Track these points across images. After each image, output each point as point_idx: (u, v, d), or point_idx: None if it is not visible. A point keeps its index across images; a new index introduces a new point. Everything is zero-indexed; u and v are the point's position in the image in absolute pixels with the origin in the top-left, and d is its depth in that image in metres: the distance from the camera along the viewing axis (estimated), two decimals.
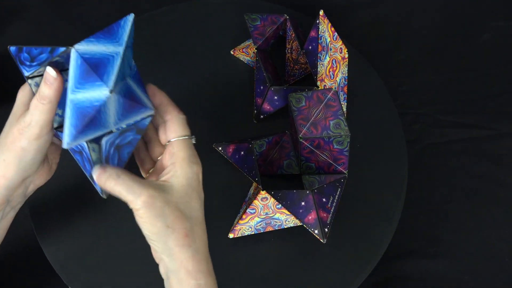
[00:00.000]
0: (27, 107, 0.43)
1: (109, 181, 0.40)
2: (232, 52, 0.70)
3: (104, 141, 0.43)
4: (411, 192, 0.69)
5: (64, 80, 0.42)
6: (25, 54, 0.44)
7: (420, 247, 0.72)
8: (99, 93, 0.38)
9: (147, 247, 0.56)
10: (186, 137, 0.43)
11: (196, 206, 0.42)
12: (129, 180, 0.40)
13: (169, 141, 0.44)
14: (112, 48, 0.42)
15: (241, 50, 0.69)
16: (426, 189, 0.76)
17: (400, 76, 0.85)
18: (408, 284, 0.70)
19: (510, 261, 0.71)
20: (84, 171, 0.46)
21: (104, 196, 0.46)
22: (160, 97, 0.44)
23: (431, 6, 0.92)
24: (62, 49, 0.41)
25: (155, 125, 0.46)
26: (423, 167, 0.77)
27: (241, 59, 0.70)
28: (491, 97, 0.84)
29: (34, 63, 0.43)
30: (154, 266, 0.55)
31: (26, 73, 0.44)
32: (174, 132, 0.43)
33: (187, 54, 0.70)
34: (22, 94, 0.45)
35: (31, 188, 0.49)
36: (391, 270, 0.70)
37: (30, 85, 0.45)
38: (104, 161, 0.44)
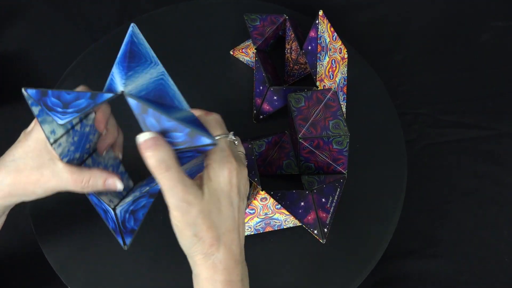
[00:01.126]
0: None
1: (156, 168, 0.36)
2: (231, 52, 0.70)
3: (118, 210, 0.45)
4: (411, 192, 0.69)
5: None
6: (53, 99, 0.39)
7: (420, 247, 0.72)
8: (189, 113, 0.41)
9: (147, 247, 0.56)
10: (218, 137, 0.41)
11: (227, 213, 0.40)
12: (177, 177, 0.37)
13: None
14: (155, 72, 0.42)
15: (240, 50, 0.69)
16: (426, 189, 0.76)
17: (400, 76, 0.85)
18: (408, 284, 0.70)
19: (510, 261, 0.71)
20: (107, 224, 0.47)
21: (126, 248, 0.46)
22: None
23: (431, 7, 0.92)
24: (108, 95, 0.37)
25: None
26: (423, 167, 0.77)
27: (241, 59, 0.70)
28: (491, 97, 0.84)
29: (70, 110, 0.39)
30: (154, 266, 0.55)
31: (60, 121, 0.41)
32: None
33: (186, 54, 0.70)
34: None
35: None
36: (391, 270, 0.70)
37: (48, 140, 0.42)
38: (121, 224, 0.45)
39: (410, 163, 0.72)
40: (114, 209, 0.45)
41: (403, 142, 0.65)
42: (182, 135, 0.37)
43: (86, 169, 0.44)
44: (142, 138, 0.36)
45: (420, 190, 0.75)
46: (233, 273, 0.40)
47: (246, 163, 0.43)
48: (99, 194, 0.46)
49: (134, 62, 0.40)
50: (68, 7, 0.88)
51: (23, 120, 0.75)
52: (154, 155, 0.36)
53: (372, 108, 0.67)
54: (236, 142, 0.43)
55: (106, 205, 0.45)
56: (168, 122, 0.36)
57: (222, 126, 0.42)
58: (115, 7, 0.88)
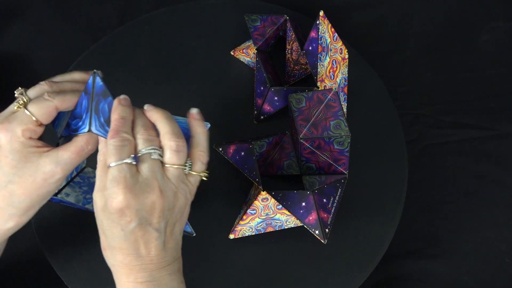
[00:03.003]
0: None
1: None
2: (232, 53, 0.70)
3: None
4: (411, 192, 0.69)
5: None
6: (105, 107, 0.43)
7: (420, 247, 0.72)
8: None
9: None
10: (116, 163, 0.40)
11: (116, 234, 0.40)
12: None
13: None
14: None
15: (241, 51, 0.69)
16: (426, 189, 0.76)
17: (400, 76, 0.85)
18: (408, 284, 0.70)
19: (510, 261, 0.71)
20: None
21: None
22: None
23: (431, 7, 0.92)
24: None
25: None
26: (423, 167, 0.77)
27: (241, 59, 0.70)
28: (491, 97, 0.84)
29: (107, 128, 0.42)
30: None
31: (93, 128, 0.43)
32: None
33: (187, 54, 0.70)
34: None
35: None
36: (391, 270, 0.70)
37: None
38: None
39: (411, 164, 0.72)
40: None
41: (403, 142, 0.65)
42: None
43: (74, 138, 0.43)
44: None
45: (420, 190, 0.75)
46: (131, 276, 0.41)
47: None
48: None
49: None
50: (68, 7, 0.88)
51: None
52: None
53: (373, 109, 0.67)
54: (135, 163, 0.41)
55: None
56: None
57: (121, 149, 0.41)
58: (116, 8, 0.88)
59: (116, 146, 0.39)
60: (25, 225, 0.65)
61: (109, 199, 0.39)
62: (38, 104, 0.41)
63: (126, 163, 0.39)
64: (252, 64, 0.69)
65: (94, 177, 0.43)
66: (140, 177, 0.39)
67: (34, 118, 0.41)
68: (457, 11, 0.91)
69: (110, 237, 0.41)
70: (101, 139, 0.42)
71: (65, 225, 0.58)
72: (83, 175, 0.49)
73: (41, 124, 0.42)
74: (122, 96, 0.42)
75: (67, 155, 0.42)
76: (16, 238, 0.67)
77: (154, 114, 0.42)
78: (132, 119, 0.41)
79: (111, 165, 0.39)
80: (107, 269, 0.56)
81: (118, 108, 0.41)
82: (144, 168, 0.40)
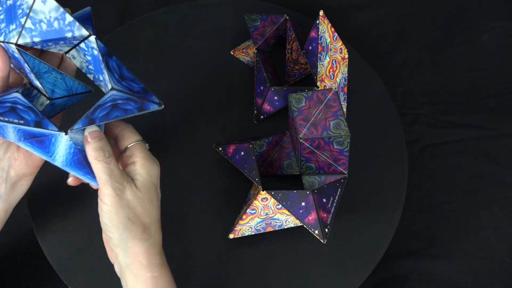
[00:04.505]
0: None
1: (98, 153, 0.41)
2: (232, 53, 0.70)
3: (111, 92, 0.42)
4: (411, 192, 0.69)
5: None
6: (115, 65, 0.44)
7: (420, 247, 0.72)
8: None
9: None
10: (141, 141, 0.45)
11: (156, 203, 0.44)
12: (115, 163, 0.41)
13: (125, 149, 0.45)
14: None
15: (241, 51, 0.69)
16: (426, 189, 0.76)
17: (400, 76, 0.85)
18: (408, 284, 0.70)
19: (510, 261, 0.71)
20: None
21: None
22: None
23: (431, 7, 0.92)
24: (155, 99, 0.42)
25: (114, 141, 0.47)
26: (423, 167, 0.77)
27: (241, 59, 0.70)
28: (491, 97, 0.83)
29: (124, 83, 0.44)
30: None
31: (113, 84, 0.43)
32: (128, 139, 0.45)
33: (187, 54, 0.70)
34: None
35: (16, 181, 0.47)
36: (391, 270, 0.70)
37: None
38: (94, 108, 0.42)
39: (411, 163, 0.72)
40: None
41: (403, 142, 0.65)
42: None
43: None
44: (88, 130, 0.42)
45: (420, 190, 0.75)
46: (163, 256, 0.44)
47: None
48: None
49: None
50: (68, 7, 0.88)
51: None
52: (99, 142, 0.41)
53: (373, 108, 0.67)
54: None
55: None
56: (128, 73, 0.44)
57: (137, 133, 0.46)
58: (116, 7, 0.88)
59: (134, 130, 0.46)
60: (25, 225, 0.65)
61: (154, 161, 0.44)
62: None
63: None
64: (252, 63, 0.69)
65: (97, 49, 0.43)
66: None
67: None
68: (457, 11, 0.91)
69: (151, 210, 0.43)
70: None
71: (65, 225, 0.58)
72: (87, 43, 0.45)
73: None
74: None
75: None
76: (16, 238, 0.67)
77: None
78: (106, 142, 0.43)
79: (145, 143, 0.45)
80: (107, 269, 0.56)
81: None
82: None
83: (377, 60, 0.81)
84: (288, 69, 0.67)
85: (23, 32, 0.41)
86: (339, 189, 0.55)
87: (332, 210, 0.53)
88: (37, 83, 0.45)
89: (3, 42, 0.41)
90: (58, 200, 0.60)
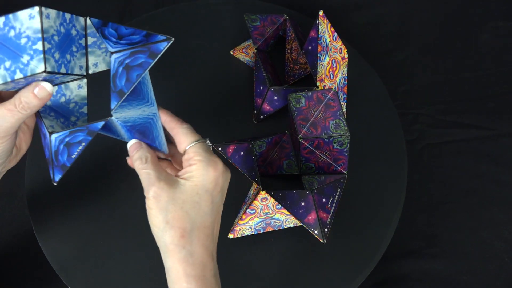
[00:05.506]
0: None
1: (137, 162, 0.42)
2: (232, 52, 0.70)
3: (53, 137, 0.44)
4: (411, 192, 0.69)
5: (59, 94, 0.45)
6: (111, 30, 0.44)
7: (420, 247, 0.72)
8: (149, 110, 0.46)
9: (147, 247, 0.56)
10: (198, 142, 0.43)
11: (205, 210, 0.41)
12: (152, 168, 0.41)
13: (184, 152, 0.44)
14: (147, 110, 0.46)
15: (241, 51, 0.69)
16: (426, 189, 0.76)
17: (400, 76, 0.85)
18: (408, 284, 0.70)
19: (510, 261, 0.71)
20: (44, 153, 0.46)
21: (54, 183, 0.47)
22: (163, 116, 0.45)
23: (431, 7, 0.92)
24: (160, 37, 0.42)
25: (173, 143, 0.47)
26: (423, 167, 0.77)
27: (241, 59, 0.70)
28: (490, 97, 0.84)
29: (122, 41, 0.44)
30: (153, 266, 0.55)
31: (111, 49, 0.44)
32: (184, 142, 0.44)
33: (187, 54, 0.70)
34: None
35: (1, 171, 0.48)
36: (391, 270, 0.70)
37: (88, 69, 0.48)
38: (54, 155, 0.45)
39: (411, 163, 0.72)
40: (50, 134, 0.44)
41: (403, 142, 0.65)
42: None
43: (16, 95, 0.42)
44: (130, 143, 0.44)
45: (420, 190, 0.75)
46: (207, 268, 0.41)
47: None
48: (43, 116, 0.46)
49: (132, 96, 0.45)
50: (68, 7, 0.88)
51: None
52: (137, 152, 0.43)
53: (373, 108, 0.67)
54: (211, 148, 0.45)
55: (45, 129, 0.44)
56: (126, 30, 0.45)
57: (196, 133, 0.44)
58: (116, 8, 0.88)
59: (193, 130, 0.44)
60: (25, 225, 0.65)
61: (212, 165, 0.42)
62: None
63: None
64: (252, 63, 0.69)
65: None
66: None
67: None
68: (457, 11, 0.91)
69: (196, 215, 0.41)
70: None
71: (65, 225, 0.58)
72: (90, 33, 0.48)
73: None
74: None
75: (2, 111, 0.42)
76: (16, 238, 0.68)
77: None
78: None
79: (204, 141, 0.44)
80: (107, 269, 0.56)
81: (163, 110, 0.45)
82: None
83: (377, 60, 0.82)
84: (287, 69, 0.67)
85: (47, 56, 0.41)
86: (339, 189, 0.55)
87: (331, 210, 0.53)
88: (70, 76, 0.47)
89: (25, 77, 0.41)
90: (58, 200, 0.60)
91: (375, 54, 0.84)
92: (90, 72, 0.48)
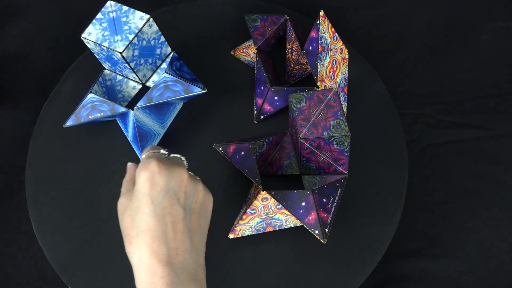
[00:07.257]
0: None
1: (123, 184, 0.46)
2: (232, 53, 0.70)
3: (163, 75, 0.59)
4: (411, 192, 0.69)
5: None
6: (177, 63, 0.62)
7: (420, 247, 0.72)
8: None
9: None
10: (147, 153, 0.45)
11: (146, 211, 0.40)
12: (124, 185, 0.45)
13: None
14: (157, 128, 0.61)
15: (241, 51, 0.69)
16: (426, 189, 0.76)
17: (400, 76, 0.85)
18: (408, 284, 0.70)
19: (510, 261, 0.71)
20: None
21: (64, 126, 0.60)
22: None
23: (431, 7, 0.92)
24: (200, 85, 0.59)
25: None
26: (423, 167, 0.77)
27: (241, 59, 0.70)
28: (491, 97, 0.84)
29: (178, 72, 0.60)
30: None
31: (168, 70, 0.59)
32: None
33: (187, 54, 0.70)
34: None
35: None
36: (391, 270, 0.70)
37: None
38: (152, 88, 0.58)
39: (411, 163, 0.72)
40: (90, 92, 0.59)
41: (403, 142, 0.65)
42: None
43: None
44: (128, 164, 0.48)
45: (420, 190, 0.75)
46: (156, 275, 0.39)
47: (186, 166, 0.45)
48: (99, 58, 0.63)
49: (155, 110, 0.60)
50: (68, 7, 0.88)
51: (23, 120, 0.75)
52: (129, 175, 0.46)
53: (373, 109, 0.67)
54: (166, 155, 0.45)
55: (91, 89, 0.61)
56: (187, 69, 0.63)
57: (153, 147, 0.46)
58: None
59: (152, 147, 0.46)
60: (24, 225, 0.65)
61: (143, 166, 0.41)
62: None
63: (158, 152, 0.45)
64: (252, 64, 0.69)
65: (113, 18, 0.57)
66: (170, 159, 0.44)
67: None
68: (457, 11, 0.91)
69: (139, 219, 0.40)
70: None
71: (65, 225, 0.58)
72: (104, 11, 0.58)
73: None
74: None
75: None
76: (16, 238, 0.68)
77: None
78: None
79: (148, 151, 0.45)
80: (107, 269, 0.56)
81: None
82: (171, 157, 0.45)
83: (377, 60, 0.82)
84: (288, 69, 0.67)
85: (130, 46, 0.56)
86: (339, 189, 0.55)
87: (332, 210, 0.53)
88: (133, 75, 0.62)
89: (107, 47, 0.56)
90: (58, 200, 0.60)
91: (376, 54, 0.84)
92: (146, 84, 0.65)
